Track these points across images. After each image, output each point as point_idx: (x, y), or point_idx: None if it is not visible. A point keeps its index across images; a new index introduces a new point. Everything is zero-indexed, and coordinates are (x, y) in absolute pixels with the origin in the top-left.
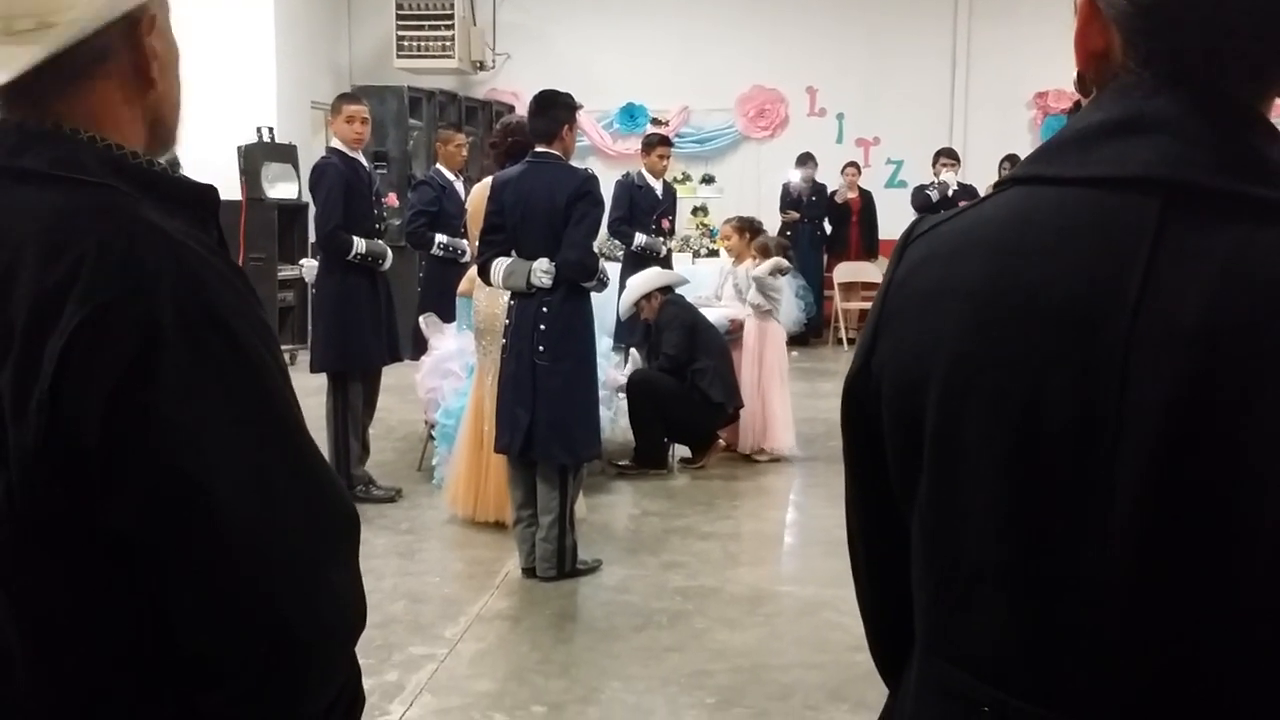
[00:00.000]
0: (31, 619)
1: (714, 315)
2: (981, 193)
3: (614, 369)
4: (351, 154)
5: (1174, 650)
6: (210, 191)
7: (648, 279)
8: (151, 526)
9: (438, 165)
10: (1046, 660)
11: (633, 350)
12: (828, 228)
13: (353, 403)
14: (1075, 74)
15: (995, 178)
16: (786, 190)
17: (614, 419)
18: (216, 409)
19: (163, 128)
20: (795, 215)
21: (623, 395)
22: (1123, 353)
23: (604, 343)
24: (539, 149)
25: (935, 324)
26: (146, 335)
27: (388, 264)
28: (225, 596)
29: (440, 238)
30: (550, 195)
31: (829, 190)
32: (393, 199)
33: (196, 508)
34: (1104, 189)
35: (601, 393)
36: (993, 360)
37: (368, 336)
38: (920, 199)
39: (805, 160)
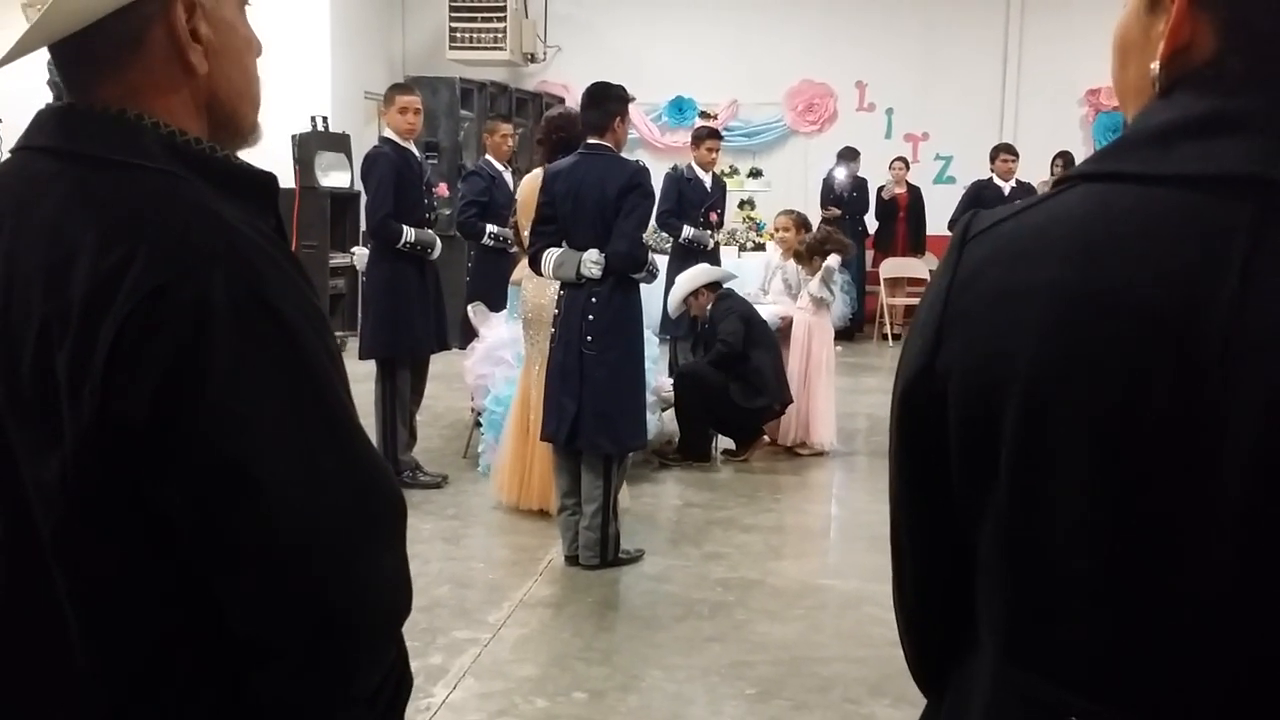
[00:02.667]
0: (86, 596)
1: (764, 312)
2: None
3: (662, 376)
4: (404, 144)
5: (1275, 667)
6: (269, 178)
7: (695, 275)
8: (198, 508)
9: (487, 156)
10: (1137, 670)
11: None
12: (869, 223)
13: (400, 389)
14: (1159, 65)
15: (1047, 174)
16: (829, 186)
17: (658, 423)
18: (264, 393)
19: (223, 115)
20: (837, 212)
21: (668, 394)
22: (1221, 355)
23: (651, 346)
24: (591, 141)
25: (1011, 326)
26: (198, 319)
27: (437, 253)
28: (271, 579)
29: (490, 228)
30: (601, 187)
31: (871, 185)
32: (443, 189)
33: (242, 491)
34: (1191, 188)
35: (649, 399)
36: (1079, 365)
37: (416, 324)
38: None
39: (850, 155)
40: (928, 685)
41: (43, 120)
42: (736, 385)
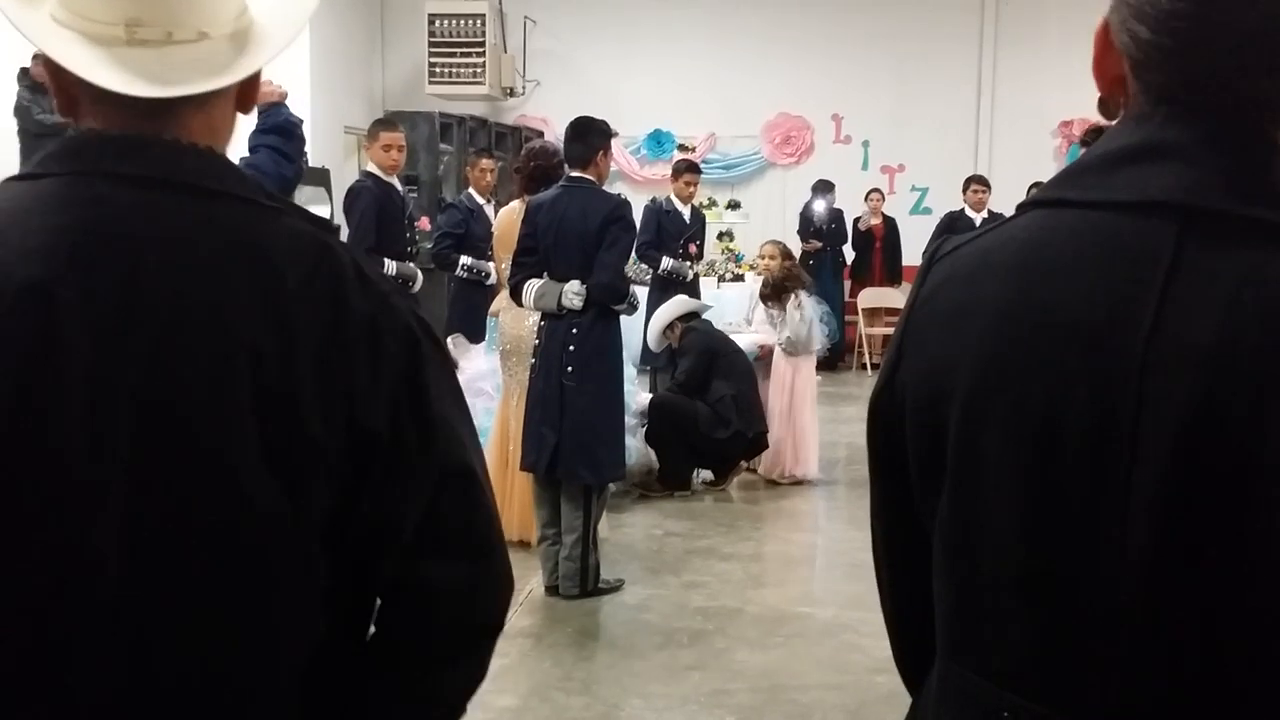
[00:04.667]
0: (300, 603)
1: (743, 341)
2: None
3: (642, 395)
4: (386, 178)
5: (1188, 659)
6: (332, 222)
7: (667, 311)
8: (428, 507)
9: (469, 189)
10: (1063, 667)
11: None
12: (847, 254)
13: None
14: (1099, 99)
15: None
16: (808, 219)
17: (639, 445)
18: (458, 406)
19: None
20: (818, 244)
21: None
22: (1138, 371)
23: (630, 369)
24: (573, 174)
25: (958, 340)
26: (408, 344)
27: (418, 286)
28: (482, 567)
29: (464, 259)
30: (583, 219)
31: (848, 216)
32: (425, 223)
33: (471, 488)
34: (1122, 213)
35: (629, 420)
36: (1013, 375)
37: None
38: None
39: (826, 188)
40: (910, 683)
41: (121, 148)
42: (705, 415)
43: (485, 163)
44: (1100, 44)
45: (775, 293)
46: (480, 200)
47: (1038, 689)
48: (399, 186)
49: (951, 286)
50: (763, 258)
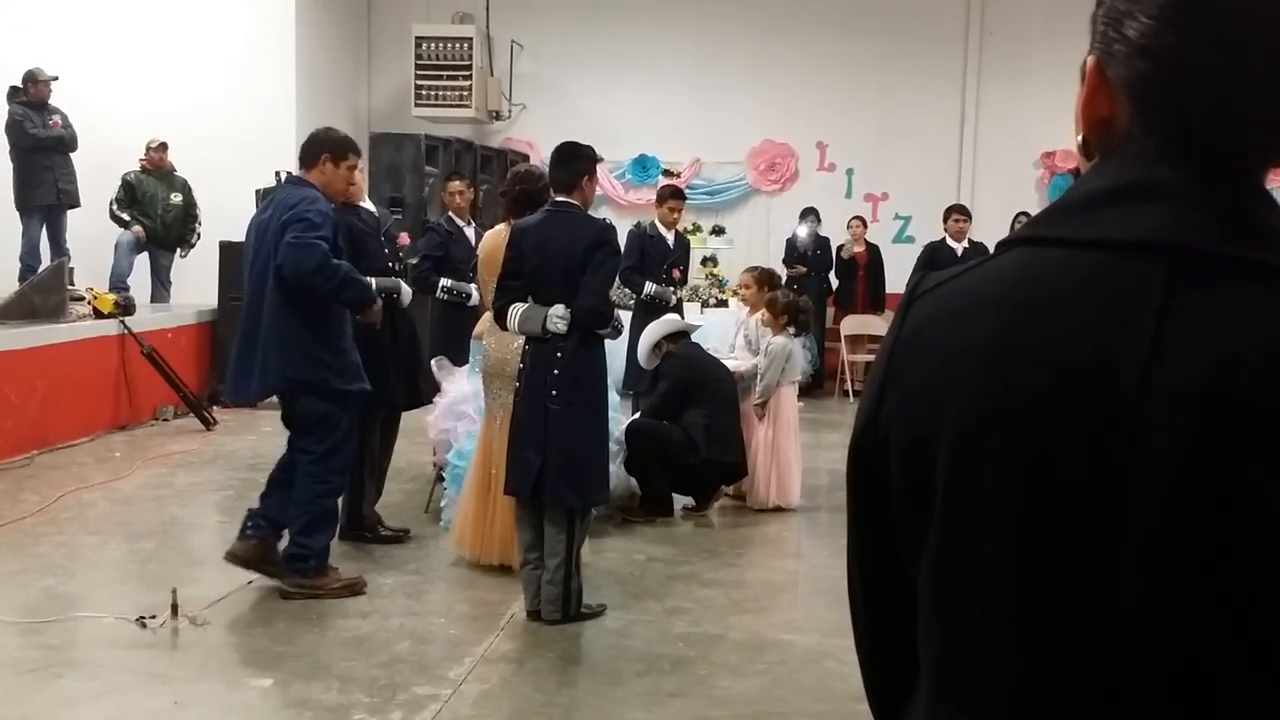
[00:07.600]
0: None
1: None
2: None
3: (624, 419)
4: (355, 201)
5: (1184, 702)
6: None
7: (656, 330)
8: None
9: (448, 212)
10: (1057, 708)
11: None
12: (831, 280)
13: (370, 443)
14: (1079, 139)
15: (1006, 234)
16: (793, 245)
17: (618, 471)
18: None
19: None
20: (804, 270)
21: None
22: (1133, 411)
23: (613, 396)
24: (559, 198)
25: (944, 379)
26: None
27: (406, 298)
28: None
29: (444, 281)
30: (569, 243)
31: (831, 243)
32: (404, 238)
33: None
34: (1110, 252)
35: (612, 448)
36: (1003, 415)
37: (390, 379)
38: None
39: (810, 214)
40: None
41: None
42: (678, 439)
43: (454, 184)
44: (1093, 80)
45: (781, 310)
46: (460, 222)
47: None
48: (369, 205)
49: (936, 325)
50: (741, 287)
